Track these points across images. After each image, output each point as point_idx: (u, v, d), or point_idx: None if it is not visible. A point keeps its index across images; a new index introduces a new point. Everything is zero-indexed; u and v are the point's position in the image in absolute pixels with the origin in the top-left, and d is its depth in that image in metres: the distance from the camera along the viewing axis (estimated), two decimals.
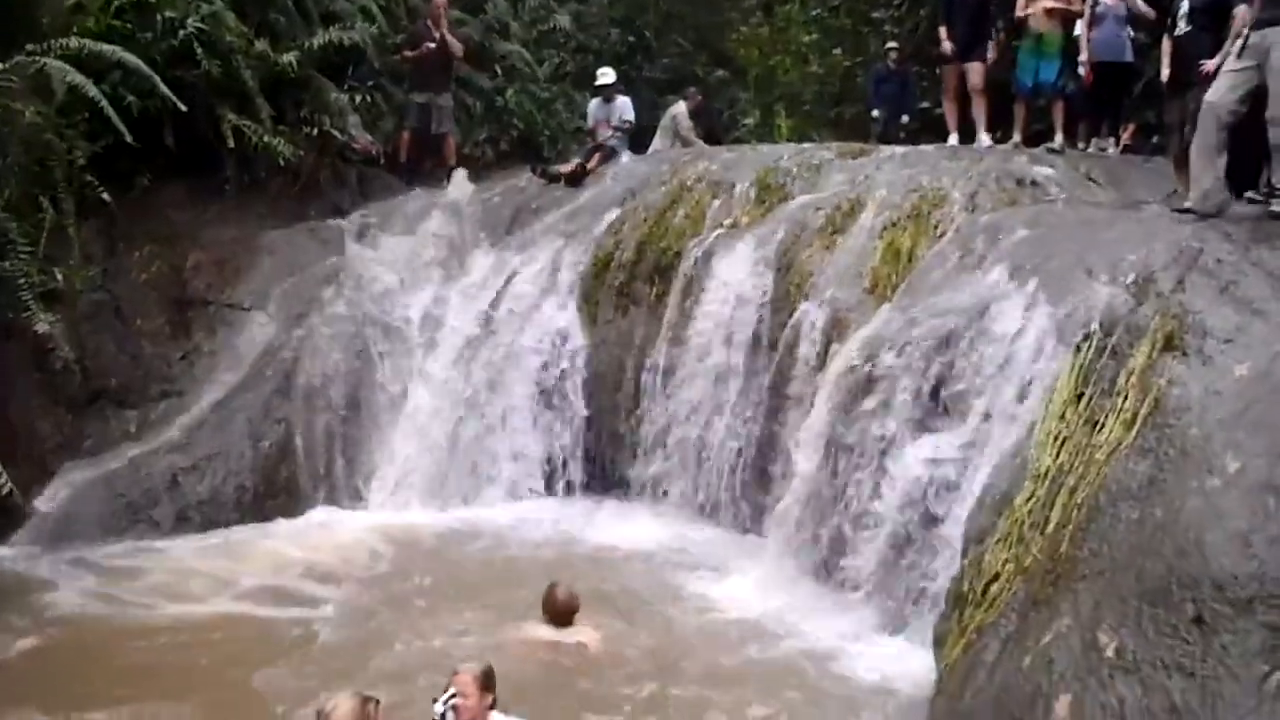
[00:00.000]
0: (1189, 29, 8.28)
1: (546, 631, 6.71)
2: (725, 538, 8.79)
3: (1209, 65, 7.68)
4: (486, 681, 4.83)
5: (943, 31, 11.20)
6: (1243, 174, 7.92)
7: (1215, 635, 4.05)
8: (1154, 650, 4.17)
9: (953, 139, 11.13)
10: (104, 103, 8.93)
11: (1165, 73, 8.55)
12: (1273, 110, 6.89)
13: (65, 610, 7.15)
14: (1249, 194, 7.72)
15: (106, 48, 9.28)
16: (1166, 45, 8.59)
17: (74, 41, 9.15)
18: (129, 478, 8.76)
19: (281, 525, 8.94)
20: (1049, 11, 10.48)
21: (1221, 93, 7.14)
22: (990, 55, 11.00)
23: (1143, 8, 9.99)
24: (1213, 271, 6.13)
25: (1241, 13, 7.52)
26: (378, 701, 4.50)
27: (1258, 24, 7.06)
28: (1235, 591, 4.10)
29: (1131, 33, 10.25)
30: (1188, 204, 7.06)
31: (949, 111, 11.39)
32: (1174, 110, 8.58)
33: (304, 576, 7.79)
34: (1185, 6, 8.27)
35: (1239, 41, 7.18)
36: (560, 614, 6.74)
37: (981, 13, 11.02)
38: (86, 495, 8.62)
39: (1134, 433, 5.23)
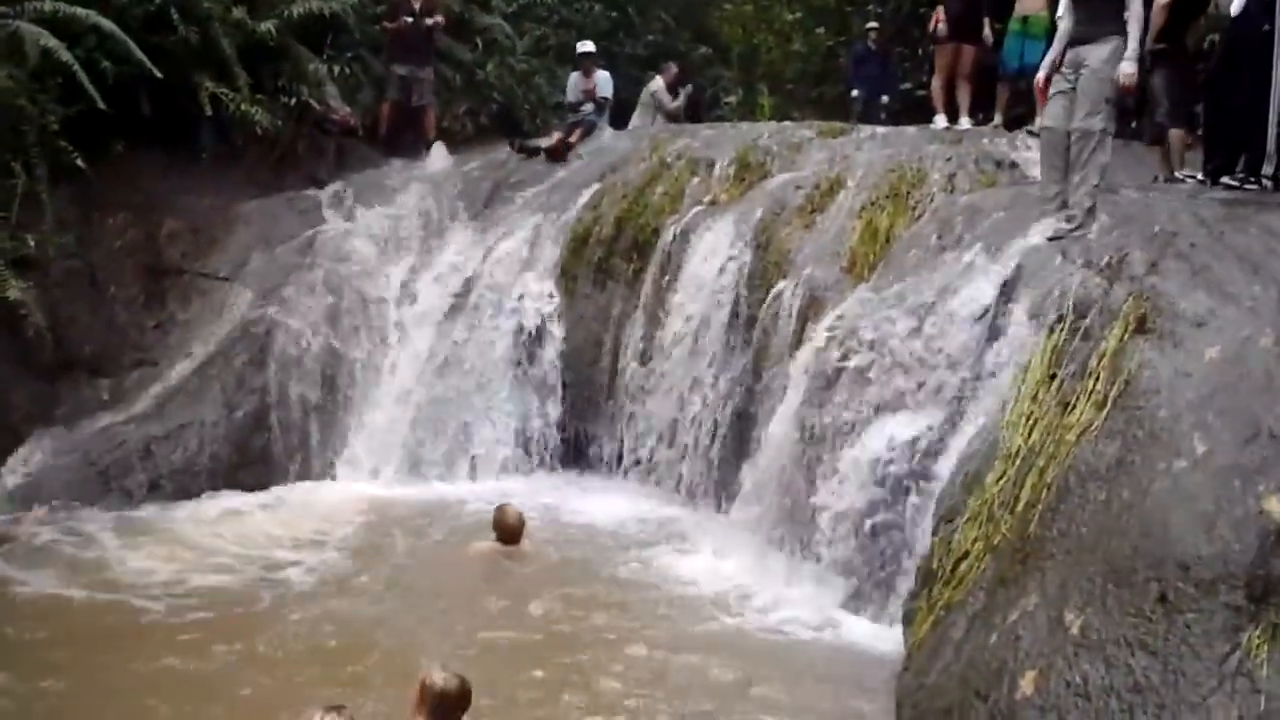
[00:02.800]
0: None
1: (494, 546, 7.54)
2: (699, 514, 8.79)
3: (1039, 77, 7.66)
4: (428, 695, 4.52)
5: (939, 11, 11.14)
6: (1221, 160, 7.98)
7: (1179, 614, 4.09)
8: (1118, 629, 4.21)
9: (941, 120, 11.10)
10: (77, 67, 8.83)
11: None
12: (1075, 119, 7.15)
13: (31, 580, 7.05)
14: (1225, 179, 7.77)
15: (81, 11, 9.19)
16: None
17: (48, 5, 9.06)
18: (102, 446, 8.71)
19: (255, 496, 8.90)
20: None
21: (1058, 117, 7.27)
22: (987, 38, 10.98)
23: None
24: (1186, 255, 6.15)
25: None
26: (343, 707, 4.49)
27: (1072, 41, 7.18)
28: (1199, 572, 4.14)
29: None
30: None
31: (938, 92, 11.32)
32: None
33: (276, 546, 7.75)
34: None
35: (1054, 53, 7.38)
36: (508, 532, 7.53)
37: None
38: (58, 463, 8.55)
39: (1104, 414, 5.26)
